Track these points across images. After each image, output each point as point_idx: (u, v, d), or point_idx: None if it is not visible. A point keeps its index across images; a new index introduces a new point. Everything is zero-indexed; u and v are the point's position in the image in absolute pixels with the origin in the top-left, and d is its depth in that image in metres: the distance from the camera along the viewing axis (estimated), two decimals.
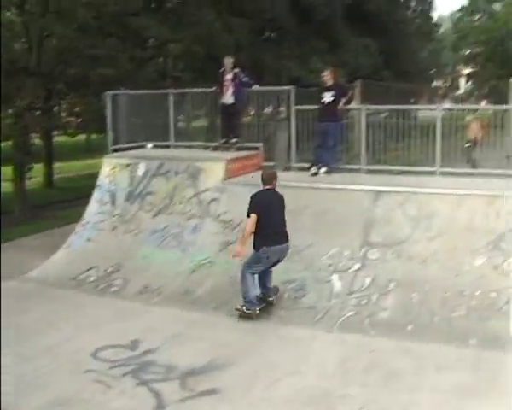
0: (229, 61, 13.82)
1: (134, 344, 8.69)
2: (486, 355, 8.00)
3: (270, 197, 9.70)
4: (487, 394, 7.05)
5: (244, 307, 9.50)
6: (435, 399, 7.04)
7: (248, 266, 9.48)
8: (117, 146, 14.76)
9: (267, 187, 9.76)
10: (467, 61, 59.39)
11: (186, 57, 28.25)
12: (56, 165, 33.70)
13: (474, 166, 15.03)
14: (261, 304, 9.63)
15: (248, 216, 9.43)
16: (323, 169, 12.46)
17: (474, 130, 17.31)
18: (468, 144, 17.08)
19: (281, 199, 9.79)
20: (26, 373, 7.86)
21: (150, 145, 15.02)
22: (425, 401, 7.01)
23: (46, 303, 10.55)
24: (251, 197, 9.60)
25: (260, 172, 10.22)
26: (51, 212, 21.25)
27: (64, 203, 23.81)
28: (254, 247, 9.43)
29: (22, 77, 23.68)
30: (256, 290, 9.59)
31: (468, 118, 17.12)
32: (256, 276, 9.55)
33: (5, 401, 7.00)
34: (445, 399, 7.01)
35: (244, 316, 9.48)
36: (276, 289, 9.92)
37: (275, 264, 9.69)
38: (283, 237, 9.56)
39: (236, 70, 13.77)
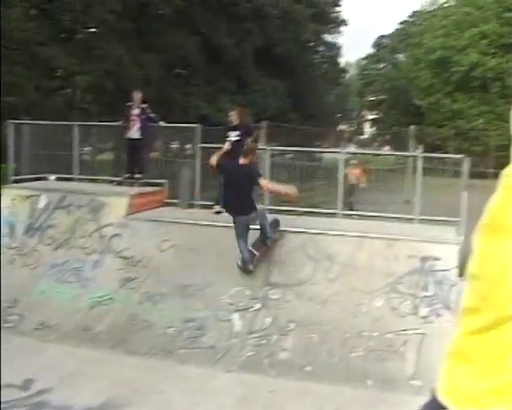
0: (137, 95, 13.80)
1: (27, 384, 8.33)
2: (383, 396, 8.14)
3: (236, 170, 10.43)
4: None
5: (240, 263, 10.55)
6: None
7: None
8: (18, 177, 14.38)
9: (241, 162, 10.35)
10: (371, 107, 61.47)
11: (94, 89, 27.94)
12: None
13: (351, 209, 15.52)
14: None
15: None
16: (219, 207, 12.53)
17: (355, 175, 17.81)
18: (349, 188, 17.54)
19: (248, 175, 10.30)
20: None
21: (53, 177, 14.70)
22: None
23: None
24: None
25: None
26: None
27: None
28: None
29: None
30: (244, 253, 10.45)
31: (352, 162, 17.58)
32: (241, 240, 10.43)
33: None
34: None
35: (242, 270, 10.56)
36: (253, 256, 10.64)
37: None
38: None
39: (144, 105, 13.76)
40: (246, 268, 10.52)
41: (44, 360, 9.26)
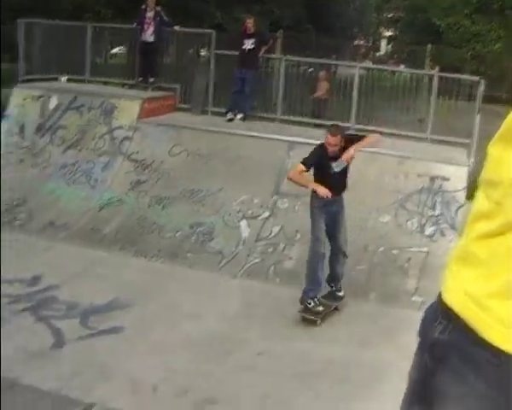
0: None
1: (35, 280, 8.49)
2: (386, 311, 8.20)
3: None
4: (383, 345, 7.22)
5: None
6: (332, 349, 7.16)
7: None
8: (29, 76, 14.18)
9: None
10: (389, 24, 60.09)
11: None
12: None
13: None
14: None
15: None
16: (240, 115, 12.42)
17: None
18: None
19: None
20: None
21: (64, 78, 14.51)
22: (321, 351, 7.12)
23: None
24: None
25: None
26: None
27: None
28: None
29: None
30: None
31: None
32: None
33: None
34: (342, 349, 7.17)
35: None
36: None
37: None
38: None
39: (158, 8, 13.49)
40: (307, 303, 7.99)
41: (52, 259, 9.36)
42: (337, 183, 7.95)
